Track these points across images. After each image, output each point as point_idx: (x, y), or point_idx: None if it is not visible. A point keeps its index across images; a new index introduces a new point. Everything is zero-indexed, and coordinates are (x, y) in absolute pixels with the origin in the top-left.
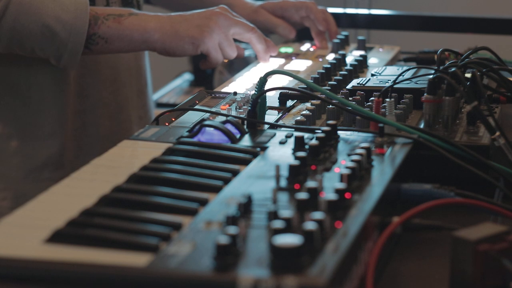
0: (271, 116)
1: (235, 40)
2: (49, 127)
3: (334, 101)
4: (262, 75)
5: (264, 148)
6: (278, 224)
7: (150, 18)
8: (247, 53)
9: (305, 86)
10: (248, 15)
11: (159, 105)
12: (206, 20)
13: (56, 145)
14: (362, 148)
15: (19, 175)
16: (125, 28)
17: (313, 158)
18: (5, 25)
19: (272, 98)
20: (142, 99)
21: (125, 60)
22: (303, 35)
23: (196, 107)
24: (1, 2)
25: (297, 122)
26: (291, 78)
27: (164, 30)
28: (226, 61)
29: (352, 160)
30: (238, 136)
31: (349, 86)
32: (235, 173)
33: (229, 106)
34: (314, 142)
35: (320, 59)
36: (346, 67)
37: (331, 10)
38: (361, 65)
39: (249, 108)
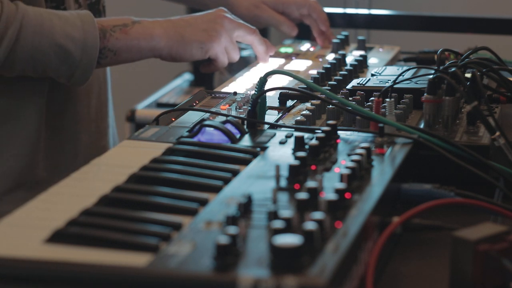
0: (271, 116)
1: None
2: (23, 146)
3: (334, 101)
4: (262, 75)
5: (264, 148)
6: (278, 224)
7: (154, 24)
8: (247, 53)
9: (305, 86)
10: (250, 10)
11: (159, 105)
12: (211, 24)
13: (30, 164)
14: (362, 148)
15: None
16: (133, 38)
17: (313, 158)
18: (19, 50)
19: (272, 98)
20: (107, 108)
21: (94, 71)
22: (303, 35)
23: (196, 107)
24: (13, 25)
25: (297, 122)
26: (291, 78)
27: (170, 36)
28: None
29: (352, 160)
30: (238, 136)
31: (349, 86)
32: (235, 173)
33: (229, 106)
34: (314, 142)
35: (320, 59)
36: (346, 67)
37: (331, 10)
38: (361, 65)
39: (249, 108)
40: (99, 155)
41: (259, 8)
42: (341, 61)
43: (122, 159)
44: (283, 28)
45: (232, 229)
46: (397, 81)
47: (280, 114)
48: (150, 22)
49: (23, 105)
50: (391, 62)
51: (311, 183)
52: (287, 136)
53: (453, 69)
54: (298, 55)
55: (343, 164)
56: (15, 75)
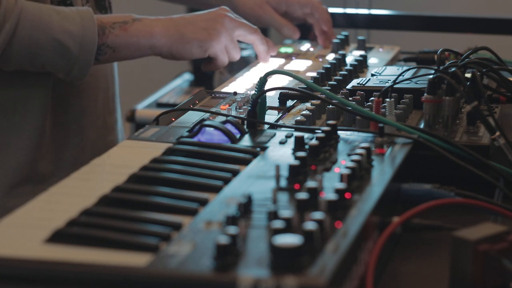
0: (271, 116)
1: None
2: (29, 140)
3: (334, 101)
4: (262, 75)
5: (264, 148)
6: (278, 224)
7: (154, 22)
8: (247, 53)
9: (305, 86)
10: (253, 10)
11: (159, 105)
12: (212, 23)
13: (36, 158)
14: (362, 148)
15: (0, 191)
16: (132, 35)
17: (313, 158)
18: (16, 44)
19: (272, 98)
20: (114, 103)
21: (101, 65)
22: (302, 35)
23: (196, 107)
24: (10, 19)
25: (297, 122)
26: (291, 78)
27: (170, 34)
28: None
29: (352, 160)
30: (238, 136)
31: (349, 86)
32: (235, 173)
33: (229, 106)
34: (314, 142)
35: (320, 59)
36: (346, 67)
37: (331, 10)
38: (361, 65)
39: (249, 108)
40: (106, 150)
41: (263, 8)
42: (341, 61)
43: (122, 159)
44: (285, 31)
45: (232, 229)
46: (397, 81)
47: (280, 114)
48: (150, 20)
49: (28, 98)
50: (391, 62)
51: (311, 183)
52: (287, 136)
53: (453, 69)
54: (298, 55)
55: (343, 164)
56: (13, 69)
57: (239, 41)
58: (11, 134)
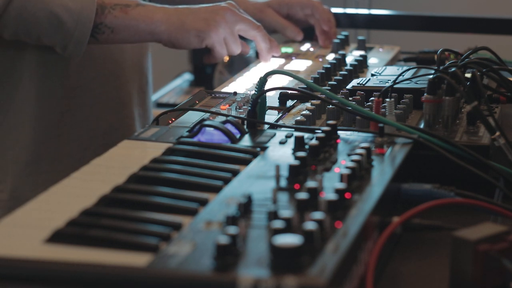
0: (271, 116)
1: (242, 38)
2: (44, 120)
3: (334, 101)
4: (262, 75)
5: (264, 148)
6: (278, 224)
7: (157, 9)
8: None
9: (305, 86)
10: (254, 14)
11: (159, 105)
12: (213, 14)
13: (53, 138)
14: (362, 148)
15: (16, 168)
16: (132, 19)
17: (313, 158)
18: (12, 12)
19: (272, 98)
20: (142, 97)
21: (129, 56)
22: (307, 36)
23: (196, 107)
24: None
25: (297, 122)
26: (291, 78)
27: (171, 22)
28: (227, 58)
29: (352, 160)
30: (238, 136)
31: (349, 86)
32: (235, 173)
33: (229, 106)
34: (314, 142)
35: (320, 59)
36: (346, 67)
37: (331, 10)
38: (361, 65)
39: (249, 108)
40: (124, 139)
41: (264, 12)
42: (341, 61)
43: (122, 159)
44: (288, 33)
45: (232, 229)
46: (397, 81)
47: (280, 114)
48: (154, 6)
49: (44, 74)
50: (391, 62)
51: (311, 183)
52: (287, 136)
53: (453, 69)
54: (298, 55)
55: (343, 164)
56: (10, 38)
57: (243, 38)
58: (26, 110)
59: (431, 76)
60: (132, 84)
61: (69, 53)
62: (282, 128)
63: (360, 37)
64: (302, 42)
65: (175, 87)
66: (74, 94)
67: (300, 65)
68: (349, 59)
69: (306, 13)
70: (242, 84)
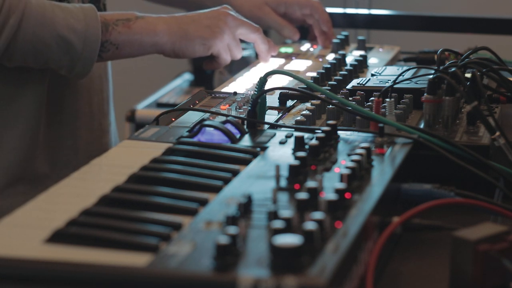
0: (271, 116)
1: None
2: (22, 140)
3: (334, 101)
4: (262, 75)
5: (264, 148)
6: (278, 224)
7: (157, 20)
8: (247, 53)
9: (305, 86)
10: (252, 12)
11: (159, 105)
12: (215, 21)
13: (30, 158)
14: (362, 148)
15: None
16: (135, 33)
17: (313, 158)
18: (20, 39)
19: (272, 98)
20: (109, 105)
21: (96, 67)
22: (302, 35)
23: (196, 107)
24: (15, 14)
25: (297, 122)
26: (291, 78)
27: (173, 32)
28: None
29: (352, 160)
30: (238, 136)
31: (349, 86)
32: (235, 173)
33: (229, 106)
34: (314, 142)
35: (320, 59)
36: (346, 67)
37: (331, 10)
38: (361, 65)
39: (249, 108)
40: (100, 152)
41: (262, 10)
42: (341, 61)
43: (122, 159)
44: (285, 32)
45: (232, 229)
46: (397, 81)
47: (280, 114)
48: (153, 18)
49: (22, 96)
50: (391, 62)
51: (311, 183)
52: (287, 136)
53: (453, 69)
54: (298, 55)
55: (343, 164)
56: (16, 65)
57: (240, 40)
58: (3, 132)
59: (431, 76)
60: (100, 96)
61: (75, 75)
62: (282, 128)
63: (360, 37)
64: (300, 41)
65: (175, 87)
66: (45, 114)
67: (300, 65)
68: (349, 59)
69: (305, 13)
70: (242, 84)
